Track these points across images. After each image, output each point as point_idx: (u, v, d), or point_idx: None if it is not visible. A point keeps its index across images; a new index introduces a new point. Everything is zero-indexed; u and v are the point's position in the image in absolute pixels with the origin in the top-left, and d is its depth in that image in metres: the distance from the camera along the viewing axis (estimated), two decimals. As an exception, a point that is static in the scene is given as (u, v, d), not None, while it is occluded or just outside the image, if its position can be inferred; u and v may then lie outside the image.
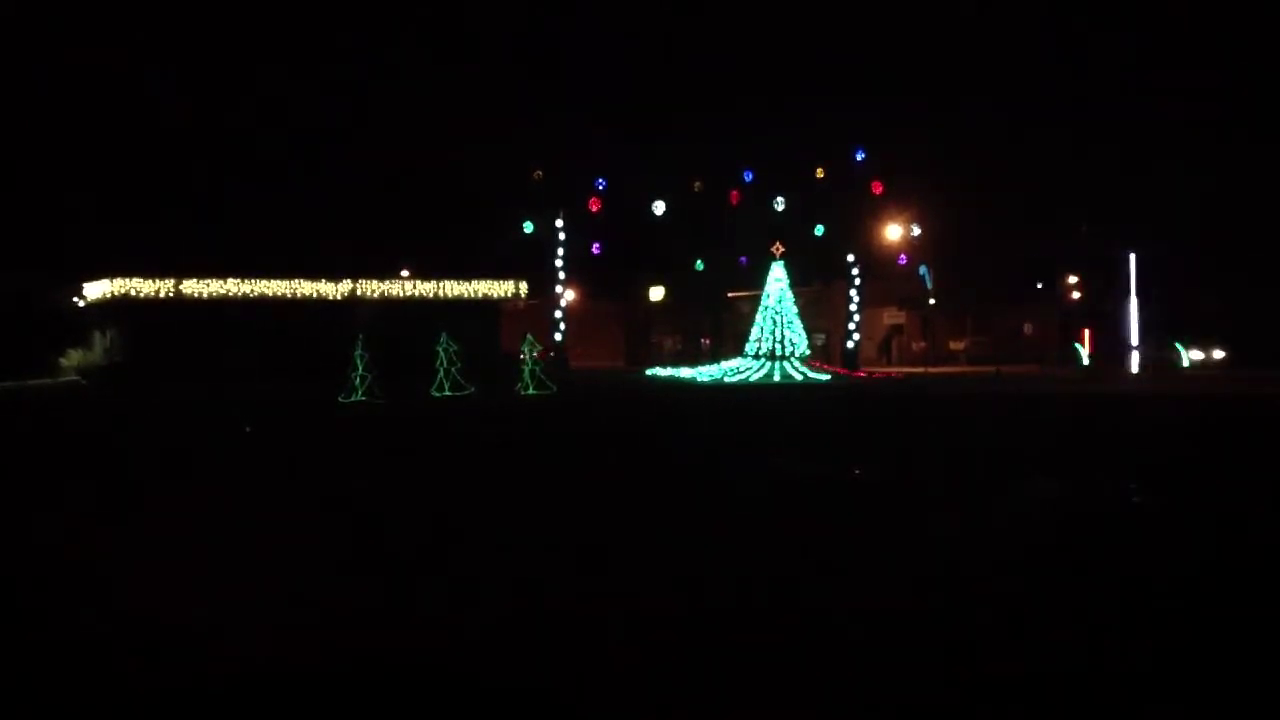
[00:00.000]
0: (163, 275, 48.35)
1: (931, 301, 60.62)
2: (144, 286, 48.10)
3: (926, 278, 60.60)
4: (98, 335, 51.31)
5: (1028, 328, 64.01)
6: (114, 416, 28.18)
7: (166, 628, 7.60)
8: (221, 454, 18.70)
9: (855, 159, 53.61)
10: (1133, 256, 50.89)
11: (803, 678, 6.41)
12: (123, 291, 47.96)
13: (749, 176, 52.74)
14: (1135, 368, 49.91)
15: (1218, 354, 53.61)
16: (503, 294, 53.81)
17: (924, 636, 7.17)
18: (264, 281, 49.60)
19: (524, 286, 54.52)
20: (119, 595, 8.66)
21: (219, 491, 14.08)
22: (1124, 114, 60.74)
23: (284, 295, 49.88)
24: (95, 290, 50.41)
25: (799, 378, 44.26)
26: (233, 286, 49.15)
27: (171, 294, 48.38)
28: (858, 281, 55.48)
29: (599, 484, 14.47)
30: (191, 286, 48.72)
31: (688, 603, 8.10)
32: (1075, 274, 62.31)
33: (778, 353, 46.05)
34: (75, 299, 53.46)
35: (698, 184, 52.34)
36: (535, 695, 6.23)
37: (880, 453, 18.06)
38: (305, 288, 50.26)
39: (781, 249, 47.60)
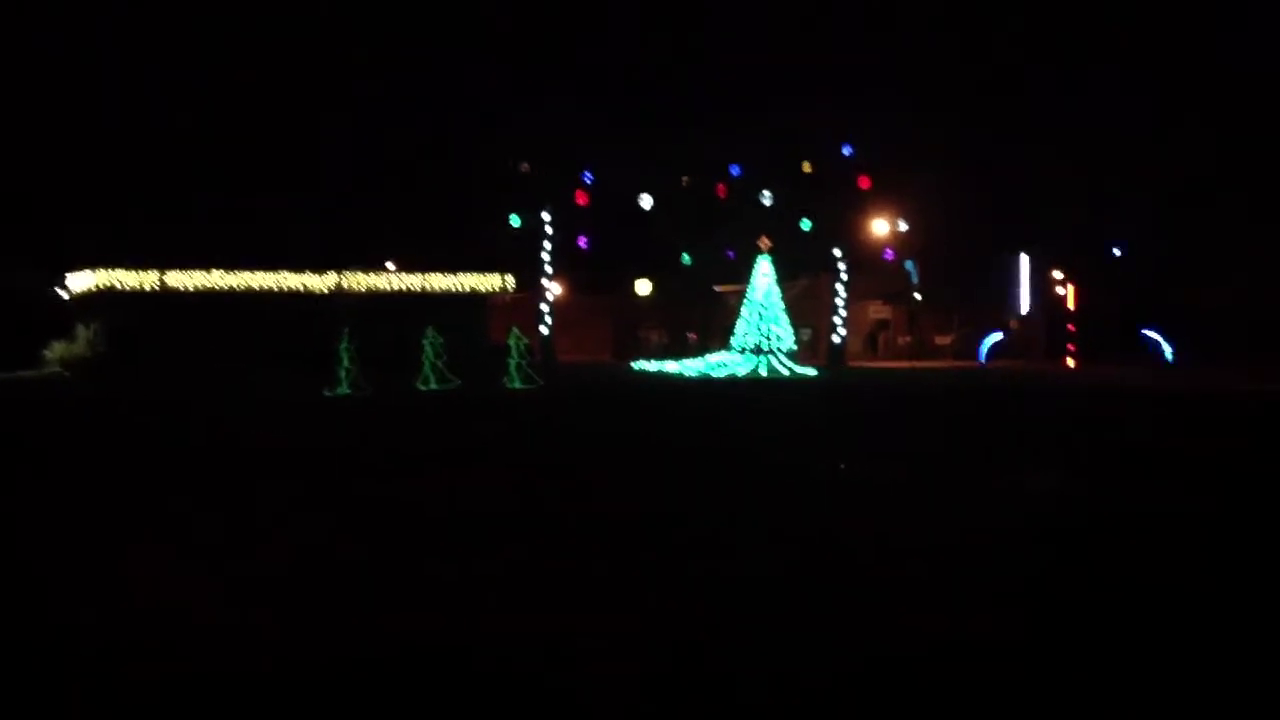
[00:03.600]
0: (147, 267, 48.24)
1: (917, 296, 60.70)
2: (128, 279, 47.98)
3: (913, 273, 60.69)
4: (81, 328, 51.07)
5: (1014, 323, 64.08)
6: (88, 408, 28.02)
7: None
8: (193, 446, 18.65)
9: (843, 154, 53.65)
10: (1116, 251, 50.99)
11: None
12: (107, 284, 47.83)
13: (736, 171, 52.74)
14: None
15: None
16: (489, 288, 53.71)
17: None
18: (249, 274, 49.54)
19: (510, 280, 54.45)
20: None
21: (174, 481, 14.04)
22: (1111, 111, 60.83)
23: (269, 288, 49.80)
24: (79, 282, 50.22)
25: (785, 372, 44.30)
26: (217, 279, 49.08)
27: (156, 286, 48.26)
28: (844, 276, 55.53)
29: (584, 475, 14.48)
30: (176, 279, 48.61)
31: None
32: (1060, 269, 62.35)
33: (764, 347, 46.06)
34: (59, 291, 53.21)
35: (685, 178, 52.32)
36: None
37: (862, 446, 18.13)
38: (290, 280, 50.17)
39: (768, 243, 47.58)
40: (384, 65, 68.84)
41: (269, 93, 64.08)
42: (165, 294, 48.27)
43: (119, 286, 47.85)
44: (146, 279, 48.19)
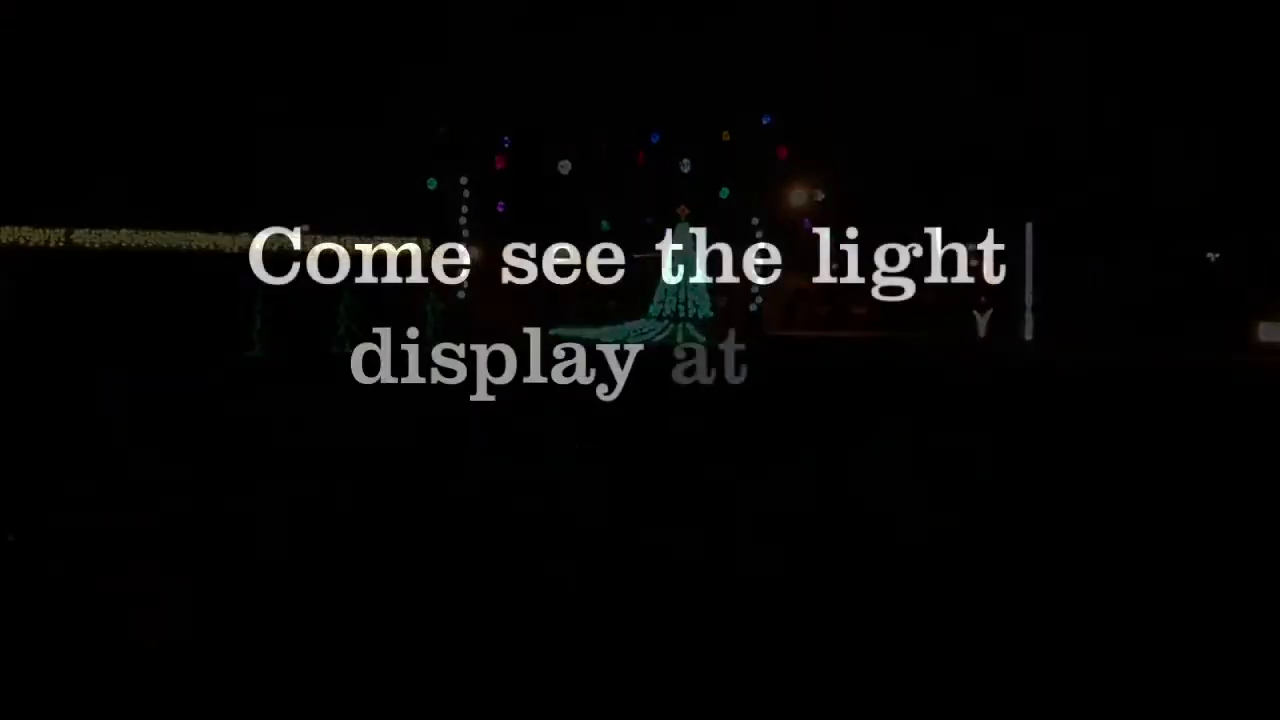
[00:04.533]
0: (53, 224, 46.97)
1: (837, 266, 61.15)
2: (33, 235, 46.72)
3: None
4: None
5: (929, 296, 64.90)
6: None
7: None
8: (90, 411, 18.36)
9: (763, 123, 53.79)
10: (1029, 226, 52.05)
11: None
12: (10, 240, 46.54)
13: (656, 138, 52.69)
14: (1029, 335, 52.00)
15: None
16: (406, 251, 53.18)
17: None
18: (159, 233, 48.53)
19: (427, 244, 53.99)
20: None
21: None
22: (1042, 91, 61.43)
23: (180, 247, 48.84)
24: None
25: (701, 339, 44.51)
26: (126, 238, 47.99)
27: (62, 244, 47.03)
28: (762, 245, 55.81)
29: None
30: (83, 236, 47.42)
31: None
32: (976, 244, 63.14)
33: (680, 315, 46.27)
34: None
35: (604, 144, 52.19)
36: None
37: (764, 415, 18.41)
38: (201, 240, 49.23)
39: (687, 211, 47.73)
40: (302, 25, 67.46)
41: (181, 49, 62.54)
42: (71, 252, 47.07)
43: (22, 243, 46.59)
44: (52, 236, 46.95)
